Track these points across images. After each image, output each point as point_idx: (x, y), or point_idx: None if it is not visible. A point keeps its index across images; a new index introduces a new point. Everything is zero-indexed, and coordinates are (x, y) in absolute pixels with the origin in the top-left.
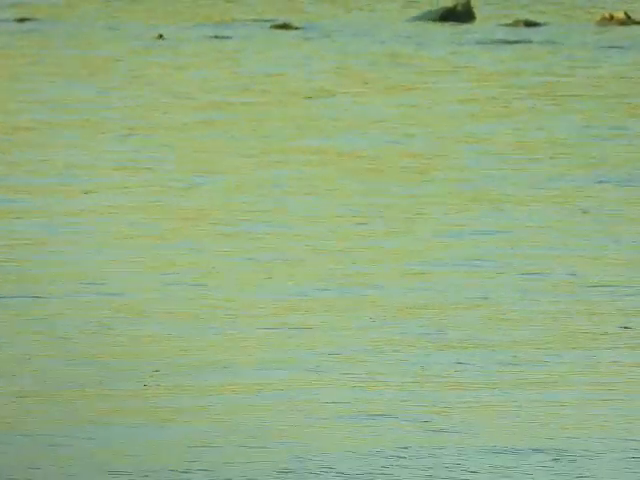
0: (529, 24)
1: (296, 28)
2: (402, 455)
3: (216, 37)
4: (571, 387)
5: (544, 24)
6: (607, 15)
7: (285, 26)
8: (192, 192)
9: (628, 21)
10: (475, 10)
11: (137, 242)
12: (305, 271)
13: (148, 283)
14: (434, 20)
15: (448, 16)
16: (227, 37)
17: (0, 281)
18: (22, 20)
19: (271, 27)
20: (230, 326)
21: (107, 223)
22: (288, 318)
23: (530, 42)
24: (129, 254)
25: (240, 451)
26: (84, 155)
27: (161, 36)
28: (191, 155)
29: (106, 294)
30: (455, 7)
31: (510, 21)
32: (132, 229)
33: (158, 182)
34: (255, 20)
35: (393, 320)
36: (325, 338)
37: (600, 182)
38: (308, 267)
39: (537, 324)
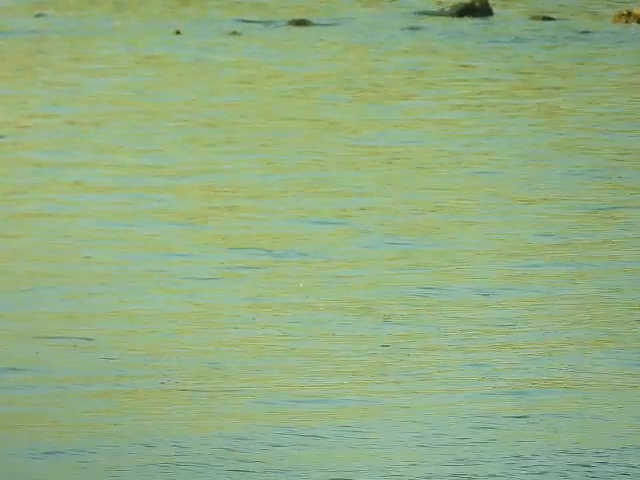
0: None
1: (314, 24)
2: None
3: (234, 33)
4: None
5: (560, 19)
6: (624, 12)
7: (303, 22)
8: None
9: None
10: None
11: None
12: None
13: None
14: (452, 15)
15: (466, 12)
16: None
17: None
18: (38, 15)
19: (289, 23)
20: None
21: None
22: None
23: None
24: None
25: None
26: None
27: (178, 32)
28: None
29: None
30: (473, 3)
31: (528, 16)
32: None
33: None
34: (268, 17)
35: None
36: None
37: None
38: None
39: None
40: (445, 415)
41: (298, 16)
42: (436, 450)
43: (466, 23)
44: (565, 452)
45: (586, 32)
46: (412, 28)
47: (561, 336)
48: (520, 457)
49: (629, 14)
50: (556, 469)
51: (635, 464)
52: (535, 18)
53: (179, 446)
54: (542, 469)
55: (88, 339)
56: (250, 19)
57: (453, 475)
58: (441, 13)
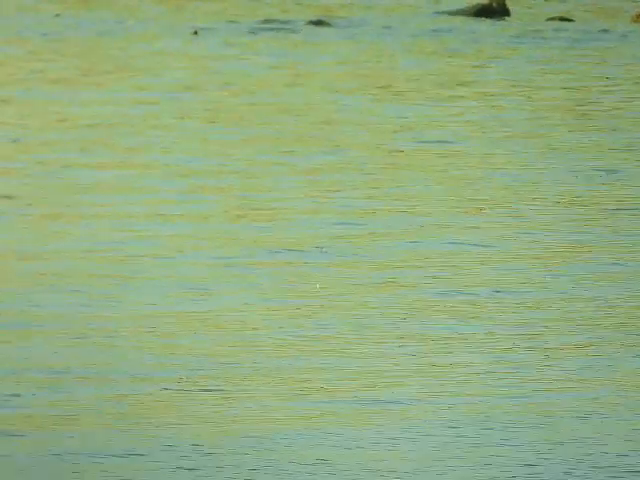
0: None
1: (331, 25)
2: None
3: (251, 32)
4: None
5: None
6: None
7: (321, 23)
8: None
9: None
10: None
11: None
12: None
13: None
14: (468, 16)
15: (483, 12)
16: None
17: None
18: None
19: (307, 23)
20: None
21: None
22: None
23: None
24: None
25: None
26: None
27: (196, 32)
28: None
29: None
30: (490, 3)
31: (544, 18)
32: None
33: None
34: (284, 17)
35: None
36: None
37: None
38: None
39: None
40: (465, 416)
41: (316, 16)
42: (453, 452)
43: (483, 24)
44: (588, 455)
45: (605, 31)
46: (431, 29)
47: (579, 338)
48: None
49: None
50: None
51: None
52: (552, 19)
53: (200, 448)
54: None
55: (109, 337)
56: (268, 19)
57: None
58: (459, 13)
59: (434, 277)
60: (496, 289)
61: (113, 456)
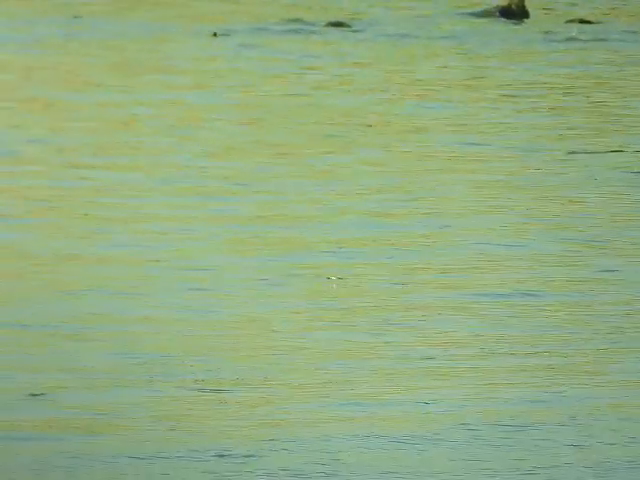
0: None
1: (349, 26)
2: None
3: (270, 34)
4: None
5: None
6: None
7: (340, 24)
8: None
9: None
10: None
11: None
12: None
13: None
14: (487, 17)
15: (502, 14)
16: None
17: None
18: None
19: (325, 25)
20: None
21: None
22: None
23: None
24: None
25: None
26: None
27: (215, 34)
28: None
29: None
30: (509, 5)
31: (564, 20)
32: None
33: None
34: (294, 20)
35: None
36: None
37: None
38: None
39: None
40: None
41: (335, 18)
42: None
43: (502, 25)
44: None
45: (627, 32)
46: (450, 31)
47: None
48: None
49: None
50: None
51: None
52: (572, 21)
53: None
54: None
55: (134, 339)
56: (286, 20)
57: None
58: (478, 15)
59: (458, 279)
60: (525, 291)
61: (144, 458)
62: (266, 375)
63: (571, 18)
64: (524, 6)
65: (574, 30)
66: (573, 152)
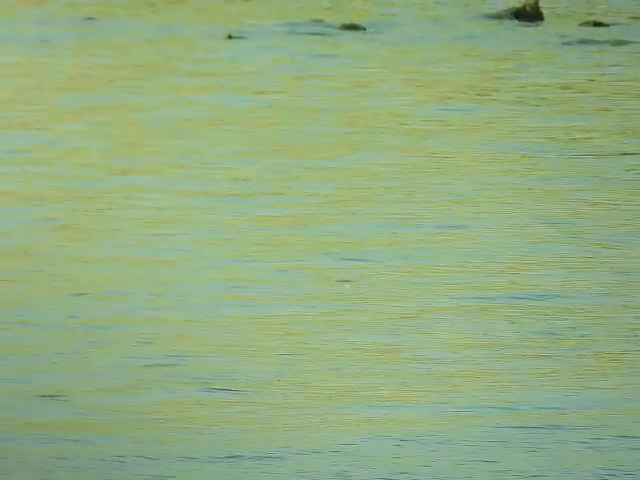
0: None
1: (364, 29)
2: None
3: (285, 36)
4: None
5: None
6: None
7: (354, 27)
8: None
9: None
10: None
11: None
12: None
13: None
14: (501, 20)
15: (516, 16)
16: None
17: None
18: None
19: (340, 27)
20: None
21: None
22: None
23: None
24: None
25: None
26: None
27: (230, 36)
28: None
29: None
30: (524, 7)
31: (579, 22)
32: None
33: None
34: (314, 21)
35: None
36: None
37: None
38: None
39: None
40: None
41: (349, 20)
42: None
43: (517, 28)
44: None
45: None
46: (465, 33)
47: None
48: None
49: None
50: None
51: None
52: (586, 23)
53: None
54: None
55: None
56: (299, 22)
57: None
58: (493, 17)
59: (484, 282)
60: (556, 294)
61: (171, 461)
62: (280, 376)
63: (585, 20)
64: (538, 8)
65: (589, 32)
66: (586, 154)
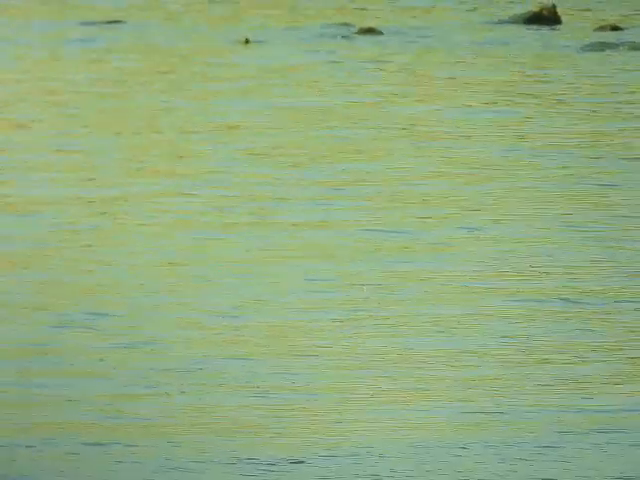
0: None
1: (381, 33)
2: None
3: (304, 40)
4: None
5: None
6: None
7: (372, 31)
8: None
9: None
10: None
11: None
12: None
13: None
14: (518, 24)
15: (533, 20)
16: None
17: None
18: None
19: (357, 32)
20: None
21: None
22: None
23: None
24: None
25: None
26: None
27: (247, 40)
28: None
29: None
30: (541, 11)
31: (596, 26)
32: None
33: None
34: (330, 24)
35: None
36: None
37: None
38: None
39: None
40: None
41: (366, 24)
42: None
43: (534, 32)
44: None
45: None
46: (482, 37)
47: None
48: None
49: None
50: None
51: None
52: (602, 28)
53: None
54: None
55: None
56: (316, 26)
57: None
58: (509, 21)
59: (511, 286)
60: (577, 299)
61: (219, 464)
62: (309, 382)
63: (602, 24)
64: (556, 12)
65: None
66: (603, 156)
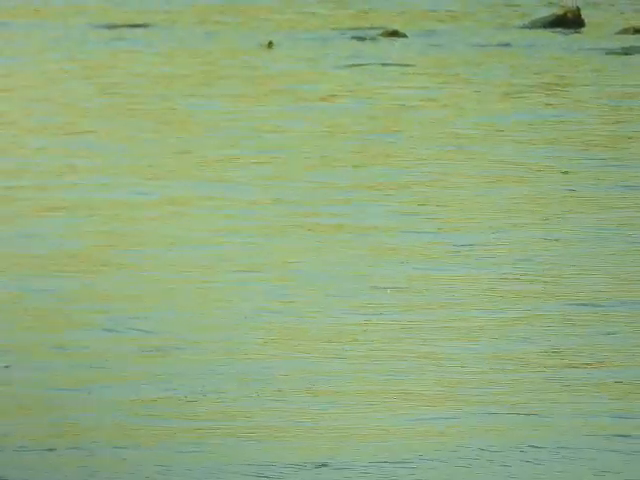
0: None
1: (405, 36)
2: None
3: (327, 44)
4: None
5: None
6: None
7: (396, 33)
8: None
9: None
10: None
11: None
12: None
13: None
14: (543, 27)
15: (557, 23)
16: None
17: None
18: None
19: (381, 35)
20: None
21: None
22: None
23: None
24: None
25: None
26: None
27: (271, 43)
28: None
29: None
30: (565, 14)
31: (620, 29)
32: None
33: None
34: (355, 28)
35: None
36: None
37: None
38: None
39: None
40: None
41: (390, 27)
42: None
43: (558, 35)
44: None
45: None
46: (504, 40)
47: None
48: None
49: None
50: None
51: None
52: (626, 31)
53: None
54: None
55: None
56: (340, 29)
57: None
58: (532, 25)
59: (530, 290)
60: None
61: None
62: (330, 385)
63: (625, 27)
64: (580, 15)
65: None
66: (626, 159)
